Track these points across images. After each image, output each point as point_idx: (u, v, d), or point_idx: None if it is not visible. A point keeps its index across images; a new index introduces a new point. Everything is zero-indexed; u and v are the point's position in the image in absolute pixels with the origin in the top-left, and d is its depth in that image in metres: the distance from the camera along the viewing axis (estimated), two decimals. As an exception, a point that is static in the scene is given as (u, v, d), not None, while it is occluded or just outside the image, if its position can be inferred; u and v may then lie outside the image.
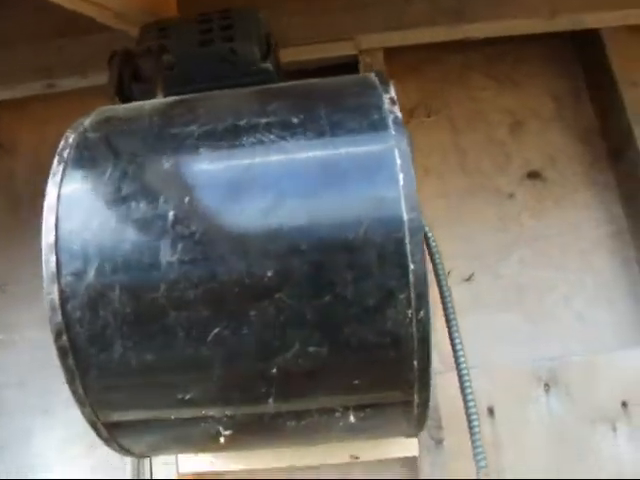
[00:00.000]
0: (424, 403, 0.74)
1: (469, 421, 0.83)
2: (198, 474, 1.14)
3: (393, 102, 0.74)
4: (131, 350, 0.69)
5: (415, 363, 0.69)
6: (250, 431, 0.78)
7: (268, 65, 1.05)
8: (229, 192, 0.69)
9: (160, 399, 0.74)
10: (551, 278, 1.34)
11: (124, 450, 0.82)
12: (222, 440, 0.75)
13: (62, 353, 0.70)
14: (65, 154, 0.75)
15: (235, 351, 0.69)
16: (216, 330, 0.68)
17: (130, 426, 0.78)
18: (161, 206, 0.69)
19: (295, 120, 0.73)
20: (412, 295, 0.67)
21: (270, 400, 0.72)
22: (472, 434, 0.82)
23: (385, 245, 0.67)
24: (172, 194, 0.70)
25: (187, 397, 0.72)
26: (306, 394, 0.73)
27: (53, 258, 0.69)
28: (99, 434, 0.77)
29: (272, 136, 0.72)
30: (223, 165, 0.72)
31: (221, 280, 0.67)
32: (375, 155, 0.70)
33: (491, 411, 1.23)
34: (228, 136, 0.73)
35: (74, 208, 0.71)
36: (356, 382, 0.71)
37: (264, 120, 0.74)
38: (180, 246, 0.68)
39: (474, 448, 0.81)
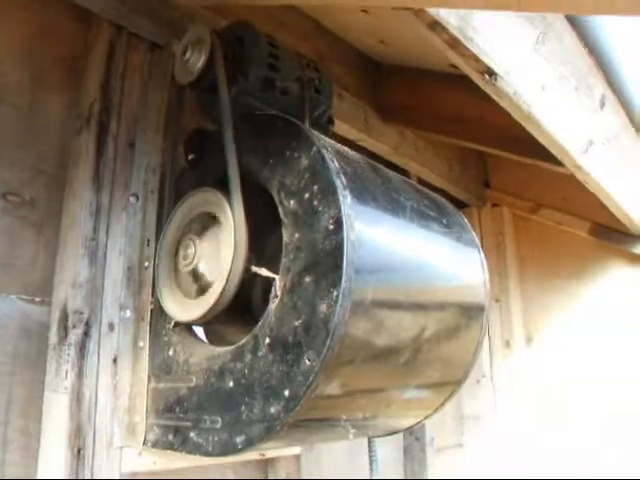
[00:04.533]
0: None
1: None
2: (140, 474, 1.08)
3: (472, 226, 1.18)
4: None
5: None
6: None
7: (331, 129, 1.25)
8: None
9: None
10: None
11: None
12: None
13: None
14: (341, 174, 0.82)
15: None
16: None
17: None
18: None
19: (432, 214, 1.06)
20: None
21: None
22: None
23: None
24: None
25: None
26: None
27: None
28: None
29: (435, 225, 1.04)
30: (438, 239, 1.01)
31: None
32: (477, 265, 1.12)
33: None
34: (421, 216, 1.00)
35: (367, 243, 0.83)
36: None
37: (423, 209, 1.04)
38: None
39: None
